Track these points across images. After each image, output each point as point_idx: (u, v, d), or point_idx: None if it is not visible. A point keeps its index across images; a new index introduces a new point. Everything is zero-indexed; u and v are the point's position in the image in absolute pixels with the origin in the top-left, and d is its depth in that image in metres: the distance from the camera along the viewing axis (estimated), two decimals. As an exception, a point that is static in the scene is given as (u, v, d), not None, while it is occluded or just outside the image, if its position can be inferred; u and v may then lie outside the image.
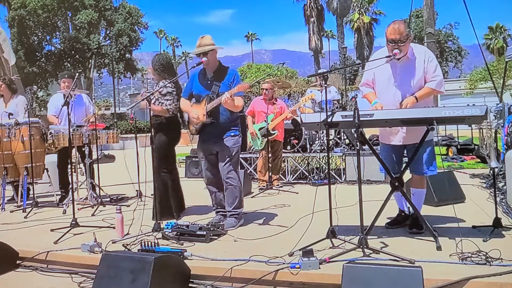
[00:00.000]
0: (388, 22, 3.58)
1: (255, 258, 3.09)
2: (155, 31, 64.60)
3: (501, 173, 5.41)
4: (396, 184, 3.46)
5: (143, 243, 3.31)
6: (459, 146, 9.61)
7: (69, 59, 30.50)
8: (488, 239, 3.26)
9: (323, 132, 6.99)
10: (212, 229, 3.73)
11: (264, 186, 6.41)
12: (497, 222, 3.45)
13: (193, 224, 3.78)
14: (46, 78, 30.57)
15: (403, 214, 3.89)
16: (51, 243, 3.75)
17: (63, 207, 5.31)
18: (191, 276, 3.03)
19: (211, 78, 4.19)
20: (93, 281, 2.91)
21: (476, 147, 8.89)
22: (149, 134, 4.04)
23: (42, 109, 25.97)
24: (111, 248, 3.57)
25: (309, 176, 7.01)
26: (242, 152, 6.15)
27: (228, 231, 3.95)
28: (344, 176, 6.81)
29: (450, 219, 3.92)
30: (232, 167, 4.16)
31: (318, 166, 7.34)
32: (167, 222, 3.88)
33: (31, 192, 5.73)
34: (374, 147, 3.73)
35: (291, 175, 7.25)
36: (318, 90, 7.29)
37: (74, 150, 5.64)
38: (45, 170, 5.93)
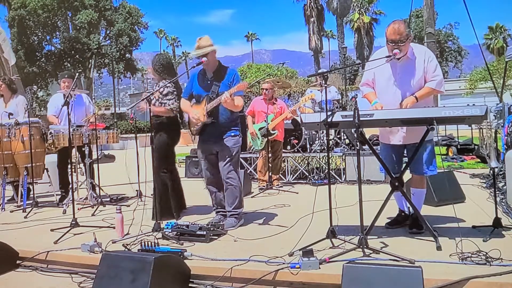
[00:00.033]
0: (388, 22, 3.58)
1: (255, 258, 3.09)
2: (155, 31, 64.68)
3: (501, 173, 5.41)
4: (396, 184, 3.46)
5: (143, 243, 3.31)
6: (459, 146, 9.61)
7: (69, 59, 30.51)
8: (488, 239, 3.26)
9: (323, 132, 6.99)
10: (212, 229, 3.73)
11: (264, 186, 6.41)
12: (497, 222, 3.45)
13: (193, 224, 3.78)
14: (46, 78, 30.58)
15: (403, 214, 3.89)
16: (51, 243, 3.75)
17: (63, 207, 5.31)
18: (191, 276, 3.03)
19: (211, 78, 4.19)
20: (93, 281, 2.91)
21: (476, 147, 8.89)
22: (149, 134, 4.04)
23: (42, 109, 25.98)
24: (111, 248, 3.57)
25: (309, 176, 7.01)
26: (242, 152, 6.15)
27: (228, 231, 3.95)
28: (344, 176, 6.81)
29: (450, 219, 3.92)
30: (232, 167, 4.16)
31: (318, 166, 7.34)
32: (167, 222, 3.88)
33: (31, 192, 5.73)
34: (374, 147, 3.73)
35: (291, 175, 7.25)
36: (318, 90, 7.29)
37: (74, 150, 5.64)
38: (45, 170, 5.93)
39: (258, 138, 6.49)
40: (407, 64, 3.54)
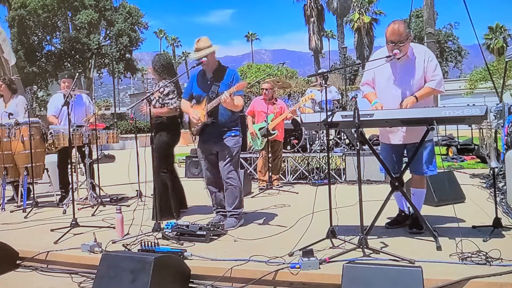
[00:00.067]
0: (388, 22, 3.58)
1: (255, 258, 3.08)
2: (155, 31, 64.72)
3: (501, 173, 5.41)
4: (396, 184, 3.46)
5: (143, 243, 3.31)
6: (459, 146, 9.61)
7: (69, 59, 30.52)
8: (488, 239, 3.26)
9: (323, 132, 6.99)
10: (212, 229, 3.73)
11: (264, 186, 6.41)
12: (497, 222, 3.45)
13: (193, 224, 3.78)
14: (46, 78, 30.59)
15: (403, 214, 3.89)
16: (51, 243, 3.75)
17: (63, 207, 5.31)
18: (191, 276, 3.03)
19: (211, 78, 4.18)
20: (93, 281, 2.91)
21: (476, 147, 8.89)
22: (149, 134, 4.04)
23: (42, 109, 26.00)
24: (111, 248, 3.57)
25: (309, 176, 7.01)
26: (242, 152, 6.15)
27: (228, 231, 3.95)
28: (344, 176, 6.81)
29: (450, 219, 3.92)
30: (233, 167, 4.16)
31: (318, 166, 7.34)
32: (167, 222, 3.88)
33: (31, 192, 5.73)
34: (374, 147, 3.73)
35: (291, 175, 7.25)
36: (318, 90, 7.29)
37: (74, 150, 5.64)
38: (45, 170, 5.93)
39: (258, 138, 6.49)
40: (407, 64, 3.54)
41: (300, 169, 7.19)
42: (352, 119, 3.17)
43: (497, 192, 4.18)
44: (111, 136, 5.91)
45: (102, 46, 30.86)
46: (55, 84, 28.08)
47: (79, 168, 6.15)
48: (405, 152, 3.77)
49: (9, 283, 3.28)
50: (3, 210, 5.50)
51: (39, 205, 5.53)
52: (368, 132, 8.38)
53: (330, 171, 3.80)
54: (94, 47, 30.14)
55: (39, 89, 28.44)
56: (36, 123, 5.75)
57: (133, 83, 60.72)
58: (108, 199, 5.80)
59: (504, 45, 38.24)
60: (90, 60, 31.32)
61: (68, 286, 3.16)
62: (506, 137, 5.70)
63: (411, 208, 3.70)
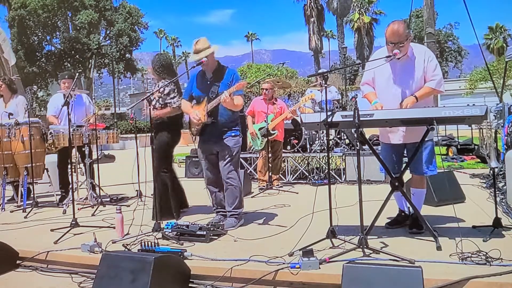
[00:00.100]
0: (388, 22, 3.57)
1: (255, 258, 3.08)
2: (155, 31, 64.71)
3: (501, 173, 5.41)
4: (396, 184, 3.46)
5: (143, 243, 3.31)
6: (459, 146, 9.61)
7: (69, 59, 30.52)
8: (488, 239, 3.26)
9: (323, 132, 6.99)
10: (212, 229, 3.73)
11: (264, 186, 6.41)
12: (497, 222, 3.45)
13: (193, 224, 3.78)
14: (46, 78, 30.60)
15: (403, 214, 3.89)
16: (51, 243, 3.75)
17: (63, 207, 5.31)
18: (191, 276, 3.03)
19: (210, 78, 4.18)
20: (93, 281, 2.91)
21: (476, 147, 8.89)
22: (149, 134, 4.04)
23: (42, 109, 26.01)
24: (111, 248, 3.56)
25: (309, 176, 7.01)
26: (242, 152, 6.16)
27: (228, 231, 3.95)
28: (344, 176, 6.81)
29: (450, 219, 3.92)
30: (233, 167, 4.16)
31: (318, 166, 7.34)
32: (167, 222, 3.88)
33: (31, 192, 5.72)
34: (374, 147, 3.73)
35: (291, 175, 7.25)
36: (318, 90, 7.29)
37: (74, 150, 5.63)
38: (45, 170, 5.93)
39: (258, 138, 6.49)
40: (407, 64, 3.54)
41: (300, 169, 7.19)
42: (352, 119, 3.17)
43: (497, 192, 4.17)
44: (111, 136, 5.91)
45: (102, 46, 30.86)
46: (55, 84, 28.10)
47: (79, 168, 6.15)
48: (405, 152, 3.77)
49: (9, 283, 3.28)
50: (3, 210, 5.50)
51: (39, 205, 5.53)
52: (368, 132, 8.38)
53: (330, 171, 3.80)
54: (94, 47, 30.15)
55: (39, 89, 28.46)
56: (36, 123, 5.75)
57: (133, 83, 60.75)
58: (108, 199, 5.80)
59: (504, 45, 38.24)
60: (90, 60, 31.33)
61: (68, 286, 3.16)
62: (506, 137, 5.70)
63: (411, 208, 3.70)
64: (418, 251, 3.12)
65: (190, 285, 3.00)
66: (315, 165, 7.37)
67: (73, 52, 30.10)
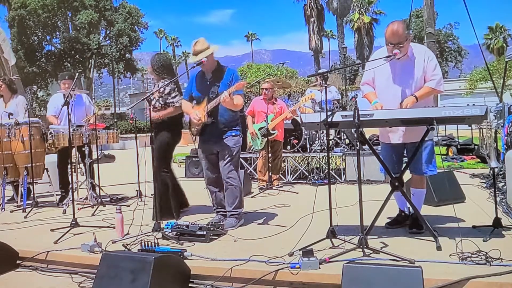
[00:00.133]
0: (388, 22, 3.58)
1: (255, 258, 3.08)
2: (155, 31, 64.72)
3: (501, 173, 5.41)
4: (396, 184, 3.46)
5: (143, 243, 3.31)
6: (459, 146, 9.61)
7: (69, 59, 30.53)
8: (488, 239, 3.26)
9: (323, 132, 6.99)
10: (212, 229, 3.73)
11: (264, 186, 6.41)
12: (497, 222, 3.45)
13: (193, 224, 3.78)
14: (46, 78, 30.61)
15: (403, 214, 3.89)
16: (51, 243, 3.75)
17: (63, 207, 5.31)
18: (191, 276, 3.03)
19: (210, 79, 4.19)
20: (93, 281, 2.91)
21: (476, 147, 8.90)
22: (149, 134, 4.04)
23: (42, 109, 26.01)
24: (111, 248, 3.56)
25: (309, 176, 7.01)
26: (242, 152, 6.16)
27: (228, 231, 3.95)
28: (344, 176, 6.81)
29: (450, 219, 3.92)
30: (233, 166, 4.16)
31: (318, 166, 7.34)
32: (167, 222, 3.88)
33: (31, 192, 5.72)
34: (374, 147, 3.73)
35: (291, 175, 7.25)
36: (318, 90, 7.29)
37: (74, 150, 5.64)
38: (45, 170, 5.93)
39: (258, 138, 6.49)
40: (407, 64, 3.54)
41: (300, 169, 7.19)
42: (352, 119, 3.17)
43: (497, 192, 4.17)
44: (111, 136, 5.91)
45: (102, 46, 30.87)
46: (55, 84, 28.09)
47: (79, 168, 6.15)
48: (405, 152, 3.77)
49: (9, 283, 3.28)
50: (3, 210, 5.50)
51: (39, 205, 5.53)
52: (368, 132, 8.38)
53: (330, 171, 3.80)
54: (94, 47, 30.15)
55: (39, 89, 28.47)
56: (36, 123, 5.74)
57: (133, 83, 60.77)
58: (108, 199, 5.80)
59: (504, 45, 38.23)
60: (90, 60, 31.33)
61: (68, 286, 3.16)
62: (506, 137, 5.70)
63: (411, 208, 3.70)
64: (418, 251, 3.12)
65: (190, 285, 3.00)
66: (315, 165, 7.37)
67: (73, 52, 30.10)
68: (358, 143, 3.33)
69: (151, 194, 4.85)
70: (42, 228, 4.42)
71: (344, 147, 7.47)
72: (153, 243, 3.29)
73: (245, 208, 4.45)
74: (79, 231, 4.09)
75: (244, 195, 4.81)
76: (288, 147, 7.32)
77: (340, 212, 3.73)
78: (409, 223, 3.75)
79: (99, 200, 5.48)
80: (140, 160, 5.43)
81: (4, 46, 9.58)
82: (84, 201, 5.62)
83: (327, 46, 58.32)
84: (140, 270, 2.70)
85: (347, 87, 16.78)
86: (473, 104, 3.37)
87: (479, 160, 8.33)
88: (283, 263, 2.95)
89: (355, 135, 3.20)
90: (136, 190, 5.82)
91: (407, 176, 3.71)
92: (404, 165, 3.62)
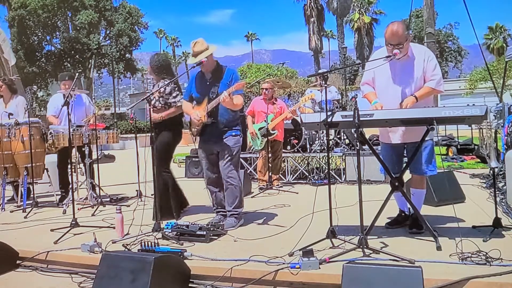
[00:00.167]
0: (388, 22, 3.58)
1: (255, 258, 3.08)
2: (155, 31, 64.70)
3: (501, 173, 5.41)
4: (396, 184, 3.46)
5: (143, 243, 3.31)
6: (459, 146, 9.61)
7: (69, 59, 30.54)
8: (488, 239, 3.26)
9: (323, 132, 6.99)
10: (212, 229, 3.73)
11: (264, 186, 6.41)
12: (497, 222, 3.45)
13: (193, 224, 3.78)
14: (46, 78, 30.62)
15: (403, 214, 3.89)
16: (51, 243, 3.75)
17: (63, 207, 5.31)
18: (191, 276, 3.03)
19: (210, 79, 4.19)
20: (93, 281, 2.91)
21: (476, 147, 8.89)
22: (149, 134, 4.04)
23: (42, 109, 26.01)
24: (111, 248, 3.56)
25: (309, 176, 7.01)
26: (242, 152, 6.15)
27: (228, 231, 3.95)
28: (344, 176, 6.81)
29: (450, 219, 3.92)
30: (233, 166, 4.16)
31: (318, 166, 7.34)
32: (167, 222, 3.88)
33: (31, 192, 5.72)
34: (374, 147, 3.73)
35: (291, 175, 7.25)
36: (318, 90, 7.29)
37: (74, 150, 5.64)
38: (45, 170, 5.93)
39: (258, 138, 6.49)
40: (407, 64, 3.54)
41: (300, 169, 7.19)
42: (352, 119, 3.17)
43: (497, 192, 4.17)
44: (111, 136, 5.91)
45: (102, 46, 30.88)
46: (55, 84, 28.11)
47: (79, 168, 6.15)
48: (405, 152, 3.77)
49: (9, 283, 3.28)
50: (3, 210, 5.50)
51: (39, 205, 5.53)
52: (368, 132, 8.38)
53: (330, 171, 3.80)
54: (94, 47, 30.16)
55: (39, 89, 28.49)
56: (36, 123, 5.75)
57: (133, 83, 60.81)
58: (108, 199, 5.80)
59: (504, 45, 38.21)
60: (90, 60, 31.34)
61: (68, 286, 3.16)
62: (506, 137, 5.70)
63: (411, 208, 3.70)
64: (418, 251, 3.12)
65: (190, 285, 3.00)
66: (315, 165, 7.37)
67: (73, 52, 30.11)
68: (358, 143, 3.33)
69: (151, 194, 4.84)
70: (42, 228, 4.42)
71: (344, 147, 7.47)
72: (153, 243, 3.29)
73: (245, 208, 4.45)
74: (79, 231, 4.09)
75: (244, 195, 4.81)
76: (288, 147, 7.32)
77: (340, 212, 3.73)
78: (409, 223, 3.75)
79: (99, 200, 5.48)
80: (140, 160, 5.44)
81: (4, 46, 9.59)
82: (84, 201, 5.62)
83: (327, 46, 58.43)
84: (140, 270, 2.70)
85: (347, 87, 16.78)
86: (473, 104, 3.37)
87: (479, 160, 8.32)
88: (283, 263, 2.95)
89: (355, 135, 3.20)
90: (136, 190, 5.82)
91: (407, 176, 3.71)
92: (404, 165, 3.62)
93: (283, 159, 7.03)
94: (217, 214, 4.36)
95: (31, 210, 5.19)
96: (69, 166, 5.41)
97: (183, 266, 3.03)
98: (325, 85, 4.38)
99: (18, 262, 3.59)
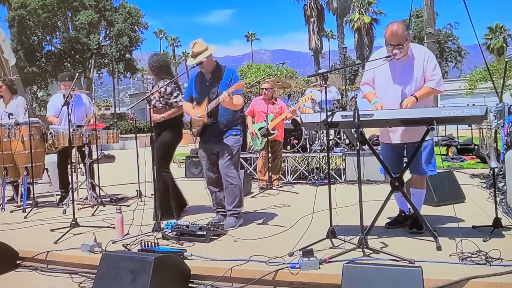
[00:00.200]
0: (388, 22, 3.58)
1: (255, 258, 3.08)
2: (155, 31, 64.70)
3: (501, 173, 5.41)
4: (396, 184, 3.46)
5: (143, 243, 3.31)
6: (459, 146, 9.61)
7: (69, 59, 30.54)
8: (488, 239, 3.26)
9: (323, 132, 6.99)
10: (212, 229, 3.73)
11: (264, 186, 6.41)
12: (497, 222, 3.45)
13: (193, 224, 3.78)
14: (46, 78, 30.62)
15: (403, 214, 3.89)
16: (51, 243, 3.75)
17: (63, 207, 5.31)
18: (191, 276, 3.03)
19: (209, 79, 4.19)
20: (93, 281, 2.91)
21: (476, 147, 8.89)
22: (149, 134, 4.04)
23: (42, 109, 26.01)
24: (111, 248, 3.56)
25: (309, 176, 7.01)
26: (242, 152, 6.16)
27: (228, 231, 3.95)
28: (344, 176, 6.81)
29: (450, 219, 3.92)
30: (233, 166, 4.16)
31: (318, 166, 7.34)
32: (167, 222, 3.88)
33: (31, 192, 5.72)
34: (374, 147, 3.73)
35: (291, 175, 7.25)
36: (318, 90, 7.29)
37: (74, 150, 5.64)
38: (45, 170, 5.93)
39: (258, 138, 6.49)
40: (407, 64, 3.54)
41: (300, 169, 7.19)
42: (352, 119, 3.17)
43: (497, 192, 4.18)
44: (111, 136, 5.91)
45: (102, 46, 30.88)
46: (55, 84, 28.12)
47: (79, 168, 6.15)
48: (405, 152, 3.77)
49: (9, 283, 3.28)
50: (3, 210, 5.50)
51: (39, 205, 5.53)
52: (368, 132, 8.38)
53: (330, 171, 3.80)
54: (94, 47, 30.16)
55: (39, 89, 28.50)
56: (36, 123, 5.75)
57: (133, 83, 60.82)
58: (108, 199, 5.80)
59: (504, 45, 38.23)
60: (90, 60, 31.35)
61: (68, 286, 3.16)
62: (506, 137, 5.70)
63: (411, 208, 3.70)
64: (418, 251, 3.12)
65: (190, 285, 3.00)
66: (315, 165, 7.37)
67: (73, 52, 30.12)
68: (358, 143, 3.33)
69: (151, 194, 4.84)
70: (42, 228, 4.42)
71: (344, 147, 7.47)
72: (153, 243, 3.29)
73: (245, 208, 4.45)
74: (79, 231, 4.09)
75: (244, 195, 4.81)
76: (288, 147, 7.32)
77: (340, 212, 3.73)
78: (409, 223, 3.75)
79: (99, 200, 5.48)
80: (140, 160, 5.44)
81: (4, 46, 9.59)
82: (84, 201, 5.62)
83: (327, 46, 58.43)
84: (140, 270, 2.70)
85: (347, 87, 16.79)
86: (473, 104, 3.37)
87: (479, 160, 8.32)
88: (283, 263, 2.95)
89: (355, 135, 3.20)
90: (136, 190, 5.82)
91: (407, 176, 3.71)
92: (404, 165, 3.62)
93: (283, 159, 7.03)
94: (217, 214, 4.36)
95: (31, 210, 5.19)
96: (69, 166, 5.41)
97: (183, 266, 3.03)
98: (325, 85, 4.38)
99: (18, 262, 3.59)
